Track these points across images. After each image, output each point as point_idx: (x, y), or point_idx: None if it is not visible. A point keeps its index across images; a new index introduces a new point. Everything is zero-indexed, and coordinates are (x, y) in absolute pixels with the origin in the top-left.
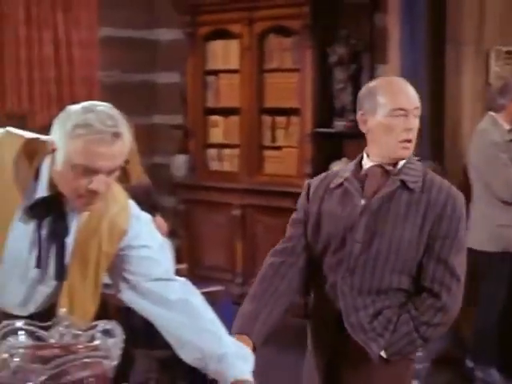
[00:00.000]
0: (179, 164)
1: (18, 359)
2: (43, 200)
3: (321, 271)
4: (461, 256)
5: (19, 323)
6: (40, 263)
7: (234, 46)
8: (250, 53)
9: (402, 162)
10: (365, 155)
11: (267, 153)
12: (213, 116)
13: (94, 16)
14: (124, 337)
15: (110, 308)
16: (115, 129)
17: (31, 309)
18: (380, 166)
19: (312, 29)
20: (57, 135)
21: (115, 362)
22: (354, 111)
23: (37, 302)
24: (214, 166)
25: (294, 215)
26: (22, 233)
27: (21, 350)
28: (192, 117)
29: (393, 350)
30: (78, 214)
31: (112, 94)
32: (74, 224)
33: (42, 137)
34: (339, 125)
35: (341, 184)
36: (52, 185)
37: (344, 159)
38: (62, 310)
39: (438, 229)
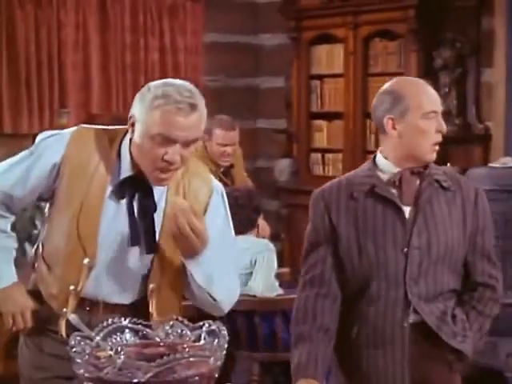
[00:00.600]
0: (282, 168)
1: (123, 356)
2: (129, 178)
3: (370, 288)
4: (493, 245)
5: (125, 322)
6: (134, 240)
7: (338, 50)
8: (355, 57)
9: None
10: (382, 159)
11: (371, 158)
12: (317, 120)
13: (200, 22)
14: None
15: None
16: (192, 100)
17: (130, 295)
18: (411, 169)
19: (417, 32)
20: (137, 109)
21: (220, 363)
22: (459, 115)
23: (134, 287)
24: (317, 170)
25: (310, 239)
26: (114, 213)
27: (127, 348)
28: (296, 121)
29: (474, 348)
30: (164, 188)
31: (216, 99)
32: (162, 199)
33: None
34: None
35: (370, 191)
36: (134, 163)
37: (449, 165)
38: (151, 286)
39: (477, 224)
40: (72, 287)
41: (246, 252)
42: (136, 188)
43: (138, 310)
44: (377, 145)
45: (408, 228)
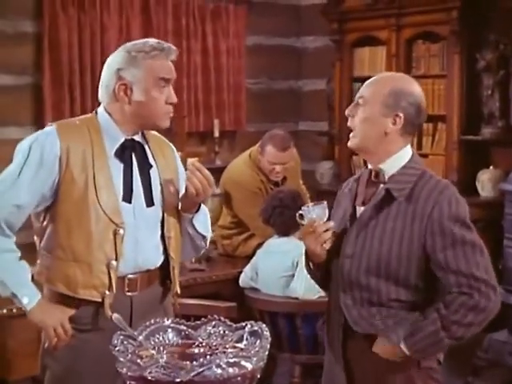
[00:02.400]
0: (324, 171)
1: (166, 356)
2: (127, 142)
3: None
4: (476, 257)
5: (168, 321)
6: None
7: (380, 52)
8: (397, 59)
9: (398, 166)
10: None
11: None
12: None
13: (242, 25)
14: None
15: (255, 312)
16: (169, 44)
17: (159, 254)
18: (371, 170)
19: (460, 34)
20: (129, 73)
21: (262, 364)
22: (502, 118)
23: (159, 244)
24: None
25: None
26: (119, 178)
27: (169, 348)
28: (338, 124)
29: (417, 347)
30: (147, 149)
31: (259, 101)
32: (151, 158)
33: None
34: (487, 132)
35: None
36: (122, 130)
37: (492, 167)
38: (169, 234)
39: (433, 242)
40: (113, 262)
41: (288, 254)
42: (131, 150)
43: (164, 270)
44: (419, 147)
45: (348, 232)
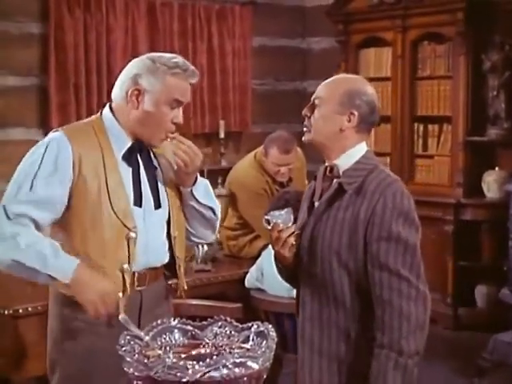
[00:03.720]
0: None
1: (173, 356)
2: (135, 145)
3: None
4: (406, 256)
5: (174, 322)
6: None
7: (386, 53)
8: (403, 60)
9: (351, 162)
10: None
11: (419, 161)
12: None
13: (248, 26)
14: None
15: (261, 313)
16: (192, 67)
17: (167, 252)
18: (326, 167)
19: (466, 35)
20: (146, 81)
21: (268, 364)
22: (508, 119)
23: (165, 242)
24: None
25: None
26: (129, 181)
27: (176, 348)
28: None
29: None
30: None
31: (264, 102)
32: (155, 161)
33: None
34: (492, 133)
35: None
36: (129, 134)
37: (497, 169)
38: (175, 234)
39: (372, 232)
40: (126, 266)
41: None
42: (137, 154)
43: (170, 266)
44: (425, 148)
45: (305, 226)
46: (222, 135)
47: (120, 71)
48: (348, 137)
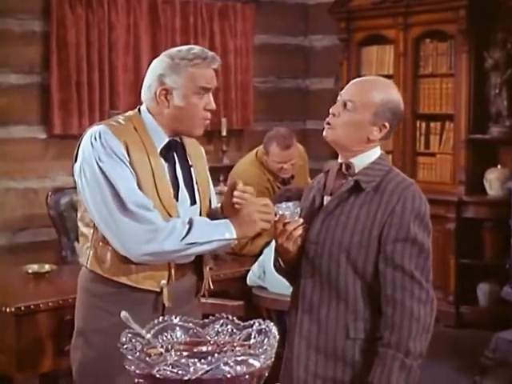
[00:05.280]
0: None
1: (174, 354)
2: (172, 142)
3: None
4: (420, 259)
5: (176, 320)
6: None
7: (388, 51)
8: (405, 58)
9: (367, 162)
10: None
11: (421, 159)
12: None
13: (250, 24)
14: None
15: (262, 311)
16: (211, 52)
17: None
18: (341, 164)
19: (468, 33)
20: (170, 79)
21: (269, 362)
22: (510, 117)
23: None
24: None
25: None
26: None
27: (177, 346)
28: None
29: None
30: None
31: (266, 100)
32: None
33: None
34: (494, 131)
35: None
36: (166, 131)
37: (499, 166)
38: None
39: (389, 231)
40: None
41: None
42: (174, 150)
43: (197, 263)
44: (427, 146)
45: (314, 221)
46: (223, 133)
47: (122, 68)
48: (372, 144)
